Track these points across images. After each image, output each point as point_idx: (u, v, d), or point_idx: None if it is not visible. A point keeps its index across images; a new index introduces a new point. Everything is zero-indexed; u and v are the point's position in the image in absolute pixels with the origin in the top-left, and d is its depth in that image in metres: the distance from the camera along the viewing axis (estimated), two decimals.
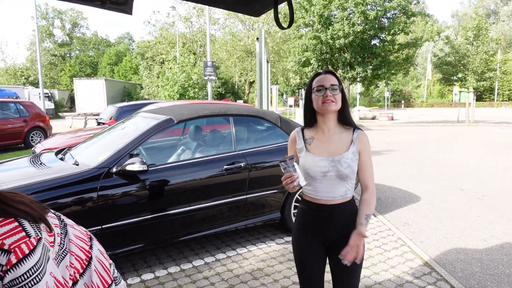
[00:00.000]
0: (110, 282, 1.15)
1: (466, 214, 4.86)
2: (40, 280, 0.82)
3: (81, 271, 1.05)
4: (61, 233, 1.04)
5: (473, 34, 19.30)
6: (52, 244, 0.95)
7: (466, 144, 11.87)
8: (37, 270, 0.82)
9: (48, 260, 0.87)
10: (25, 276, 0.80)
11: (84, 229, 1.26)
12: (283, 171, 1.65)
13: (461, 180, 6.78)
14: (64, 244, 1.03)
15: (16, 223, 0.84)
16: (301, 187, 1.73)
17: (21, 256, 0.79)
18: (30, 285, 0.80)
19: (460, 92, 21.89)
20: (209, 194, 3.47)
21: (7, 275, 0.79)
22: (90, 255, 1.12)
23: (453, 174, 7.30)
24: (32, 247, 0.82)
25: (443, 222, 4.58)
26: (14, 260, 0.78)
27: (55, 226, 1.02)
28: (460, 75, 20.34)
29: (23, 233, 0.83)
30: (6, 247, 0.79)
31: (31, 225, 0.87)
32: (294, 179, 1.62)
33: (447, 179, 6.83)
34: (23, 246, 0.81)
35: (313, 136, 1.79)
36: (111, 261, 1.26)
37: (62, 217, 1.14)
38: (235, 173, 3.59)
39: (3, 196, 0.90)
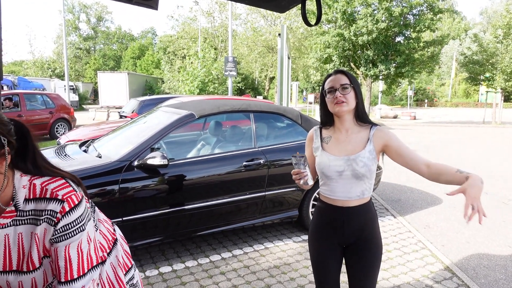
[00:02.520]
0: (130, 265, 1.23)
1: (490, 218, 4.71)
2: (84, 229, 0.96)
3: (107, 250, 1.14)
4: (91, 211, 1.15)
5: (503, 32, 18.62)
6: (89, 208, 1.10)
7: (492, 146, 11.50)
8: (83, 219, 0.96)
9: (88, 214, 1.01)
10: (75, 223, 0.93)
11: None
12: (294, 165, 1.67)
13: (486, 183, 6.56)
14: (95, 219, 1.14)
15: (64, 180, 0.98)
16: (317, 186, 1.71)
17: (72, 205, 0.93)
18: (77, 231, 0.94)
19: (487, 92, 21.21)
20: (228, 190, 3.48)
21: (61, 221, 0.92)
22: (115, 237, 1.21)
23: None
24: (79, 199, 0.96)
25: (466, 226, 4.45)
26: (67, 208, 0.92)
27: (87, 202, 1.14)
28: (487, 74, 19.69)
29: (71, 188, 0.97)
30: (60, 197, 0.92)
31: (75, 184, 1.01)
32: (302, 176, 1.63)
33: None
34: (73, 197, 0.94)
35: (331, 135, 1.76)
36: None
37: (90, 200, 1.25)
38: (254, 169, 3.59)
39: (50, 164, 1.05)
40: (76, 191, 0.96)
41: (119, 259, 1.24)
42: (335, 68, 20.22)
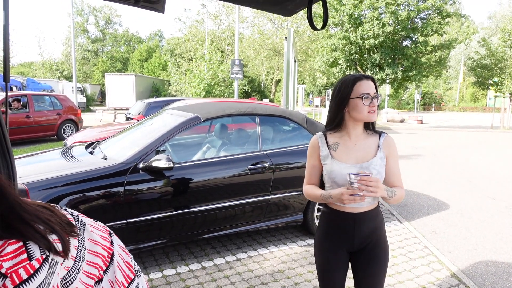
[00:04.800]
0: (132, 277, 1.15)
1: (498, 225, 4.65)
2: None
3: (104, 268, 1.05)
4: (79, 234, 1.02)
5: None
6: (63, 255, 0.89)
7: (500, 152, 11.37)
8: None
9: (53, 277, 0.81)
10: None
11: (102, 224, 1.26)
12: (349, 184, 1.56)
13: (494, 189, 6.50)
14: (83, 247, 1.01)
15: (21, 243, 0.79)
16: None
17: (17, 282, 0.74)
18: None
19: (495, 96, 21.01)
20: (233, 193, 3.47)
21: None
22: (112, 251, 1.12)
23: (485, 182, 7.01)
24: (32, 271, 0.76)
25: (473, 232, 4.40)
26: (9, 286, 0.73)
27: (74, 231, 0.97)
28: (496, 79, 19.51)
29: (25, 255, 0.77)
30: (3, 270, 0.73)
31: (41, 245, 0.82)
32: (362, 196, 1.55)
33: (478, 188, 6.57)
34: (21, 270, 0.74)
35: (338, 141, 1.73)
36: (131, 255, 1.26)
37: (80, 217, 1.13)
38: (259, 173, 3.58)
39: (24, 211, 0.85)
40: (32, 258, 0.78)
41: (117, 276, 1.15)
42: (342, 72, 20.05)
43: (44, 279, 0.78)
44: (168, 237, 3.25)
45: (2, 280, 0.72)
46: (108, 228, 1.25)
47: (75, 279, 0.94)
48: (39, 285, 0.77)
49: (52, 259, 0.82)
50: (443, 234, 4.34)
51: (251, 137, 4.02)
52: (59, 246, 0.85)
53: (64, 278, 0.90)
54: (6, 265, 0.74)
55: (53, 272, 0.80)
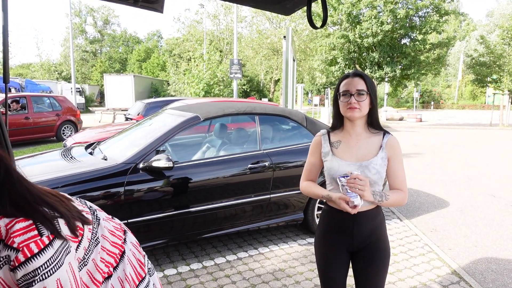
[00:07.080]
0: (144, 275, 1.16)
1: (498, 222, 4.66)
2: (51, 274, 0.82)
3: (114, 264, 1.06)
4: (93, 228, 1.05)
5: (511, 34, 18.45)
6: (76, 240, 0.94)
7: (500, 149, 11.38)
8: (48, 266, 0.82)
9: (67, 255, 0.87)
10: (37, 272, 0.80)
11: (119, 222, 1.27)
12: (341, 187, 1.59)
13: (493, 186, 6.51)
14: (95, 239, 1.03)
15: (29, 222, 0.83)
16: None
17: (29, 255, 0.80)
18: (42, 278, 0.81)
19: (494, 94, 21.03)
20: (233, 192, 3.48)
21: (17, 271, 0.80)
22: (123, 249, 1.13)
23: (485, 180, 7.01)
24: (42, 246, 0.82)
25: (473, 229, 4.40)
26: (22, 259, 0.79)
27: (87, 225, 1.01)
28: (494, 76, 19.52)
29: (35, 232, 0.82)
30: (15, 245, 0.80)
31: (48, 224, 0.86)
32: (351, 202, 1.57)
33: (478, 185, 6.57)
34: (32, 245, 0.81)
35: (340, 139, 1.73)
36: (144, 253, 1.27)
37: (97, 212, 1.14)
38: (259, 172, 3.58)
39: (29, 192, 0.88)
40: (42, 235, 0.83)
41: (126, 273, 1.15)
42: (341, 70, 20.03)
43: (53, 255, 0.83)
44: (169, 237, 3.25)
45: (14, 253, 0.79)
46: (124, 226, 1.27)
47: (81, 269, 0.97)
48: (49, 259, 0.82)
49: (62, 241, 0.86)
50: (444, 231, 4.35)
51: (251, 136, 4.02)
52: (65, 229, 0.90)
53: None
54: (17, 240, 0.80)
55: (65, 250, 0.87)
